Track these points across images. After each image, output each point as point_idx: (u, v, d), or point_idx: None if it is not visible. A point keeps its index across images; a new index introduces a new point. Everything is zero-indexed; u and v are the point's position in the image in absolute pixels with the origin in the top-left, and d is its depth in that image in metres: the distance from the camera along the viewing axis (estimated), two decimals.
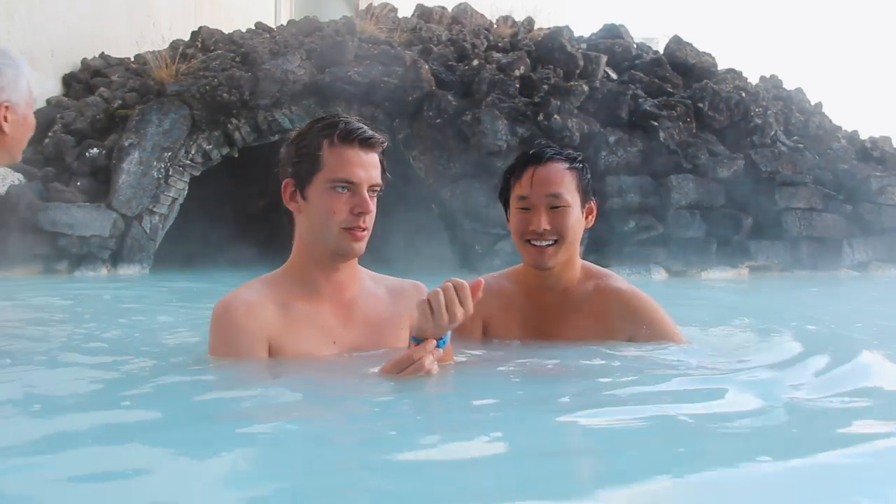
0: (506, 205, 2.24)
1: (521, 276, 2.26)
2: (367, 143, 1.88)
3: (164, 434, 1.39)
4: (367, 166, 1.88)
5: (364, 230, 1.89)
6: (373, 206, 1.90)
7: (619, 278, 2.25)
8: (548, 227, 2.09)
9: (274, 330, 1.87)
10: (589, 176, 2.19)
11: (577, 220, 2.14)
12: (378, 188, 1.91)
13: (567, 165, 2.13)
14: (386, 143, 1.95)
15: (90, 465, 1.21)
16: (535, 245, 2.12)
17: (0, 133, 2.05)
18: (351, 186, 1.86)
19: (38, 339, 2.68)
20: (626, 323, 2.17)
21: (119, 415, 1.56)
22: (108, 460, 1.23)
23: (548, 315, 2.21)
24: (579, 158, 2.18)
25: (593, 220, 2.22)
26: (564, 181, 2.11)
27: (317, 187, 1.87)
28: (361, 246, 1.90)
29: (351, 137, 1.86)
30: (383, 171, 1.93)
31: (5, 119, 2.06)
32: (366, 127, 1.91)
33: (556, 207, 2.10)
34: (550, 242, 2.10)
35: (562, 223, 2.10)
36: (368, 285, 2.05)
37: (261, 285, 1.95)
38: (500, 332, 2.24)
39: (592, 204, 2.21)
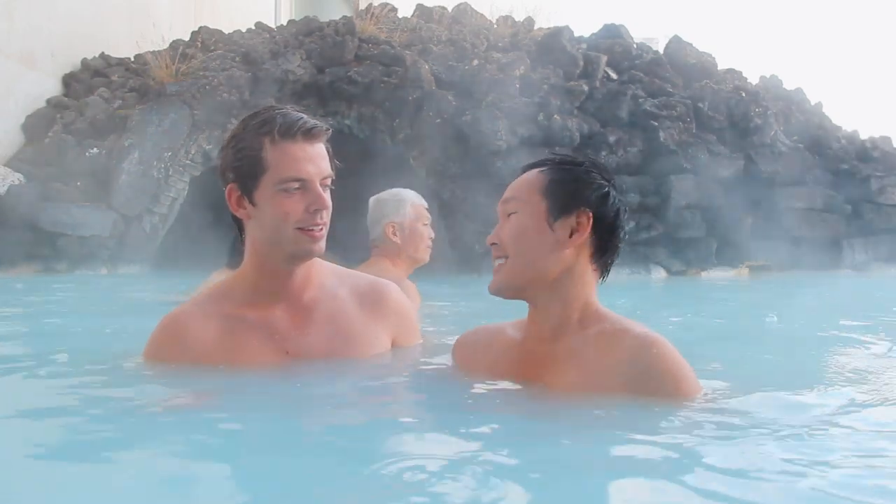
0: None
1: (524, 322, 1.74)
2: (310, 135, 1.73)
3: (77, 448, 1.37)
4: (316, 159, 1.73)
5: (322, 227, 1.75)
6: (328, 199, 1.75)
7: (637, 324, 1.63)
8: (496, 241, 1.64)
9: (212, 346, 1.77)
10: (577, 179, 1.62)
11: (531, 230, 1.60)
12: (330, 179, 1.76)
13: (544, 169, 1.65)
14: (330, 130, 1.79)
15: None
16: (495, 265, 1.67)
17: (395, 245, 3.08)
18: (302, 184, 1.71)
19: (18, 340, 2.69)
20: (631, 377, 1.53)
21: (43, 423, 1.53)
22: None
23: (538, 368, 1.66)
24: (574, 161, 1.67)
25: (584, 236, 1.60)
26: (524, 185, 1.64)
27: (265, 190, 1.71)
28: (321, 245, 1.76)
29: (293, 131, 1.70)
30: (331, 159, 1.78)
31: (394, 234, 3.07)
32: (306, 116, 1.75)
33: (510, 216, 1.65)
34: (501, 260, 1.64)
35: (505, 233, 1.63)
36: (330, 284, 1.89)
37: (208, 298, 1.86)
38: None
39: (585, 215, 1.60)
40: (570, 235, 1.60)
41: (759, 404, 1.63)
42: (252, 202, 1.74)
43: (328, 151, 1.78)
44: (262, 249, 1.79)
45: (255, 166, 1.71)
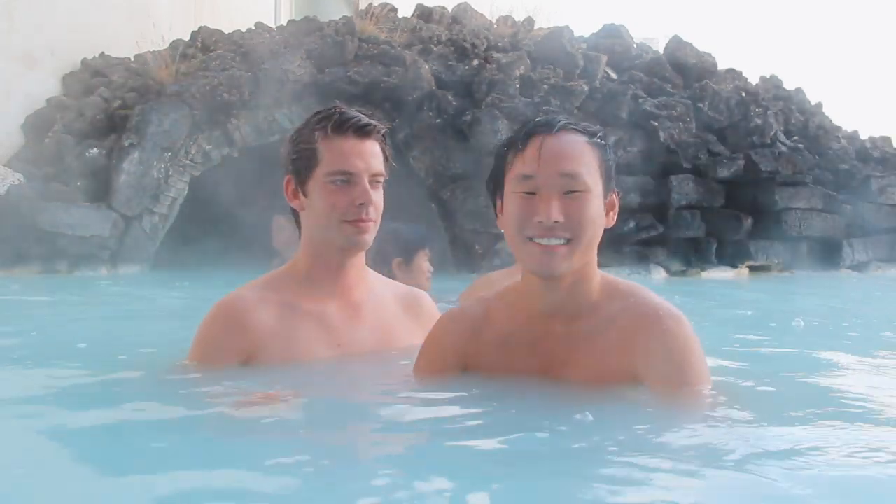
0: (496, 191, 1.64)
1: (520, 297, 1.67)
2: (362, 132, 1.82)
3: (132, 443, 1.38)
4: (365, 155, 1.82)
5: (367, 221, 1.82)
6: (377, 196, 1.84)
7: (655, 295, 1.64)
8: (560, 219, 1.51)
9: (270, 332, 1.81)
10: (612, 157, 1.62)
11: (598, 212, 1.56)
12: (381, 177, 1.85)
13: (586, 139, 1.56)
14: (383, 130, 1.88)
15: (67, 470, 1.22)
16: (540, 243, 1.53)
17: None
18: (350, 178, 1.80)
19: (25, 341, 2.69)
20: (649, 357, 1.55)
21: (79, 423, 1.54)
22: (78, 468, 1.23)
23: (554, 351, 1.62)
24: (600, 134, 1.61)
25: (615, 217, 1.64)
26: (584, 158, 1.54)
27: (315, 182, 1.82)
28: (367, 237, 1.84)
29: (345, 127, 1.81)
30: (386, 160, 1.87)
31: None
32: (361, 115, 1.85)
33: (571, 192, 1.52)
34: (562, 241, 1.52)
35: (579, 214, 1.52)
36: (378, 288, 2.01)
37: (265, 284, 1.91)
38: (486, 372, 1.69)
39: (615, 196, 1.63)
40: (607, 213, 1.63)
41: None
42: (305, 193, 1.86)
43: (385, 152, 1.87)
44: (314, 239, 1.88)
45: (308, 159, 1.83)
